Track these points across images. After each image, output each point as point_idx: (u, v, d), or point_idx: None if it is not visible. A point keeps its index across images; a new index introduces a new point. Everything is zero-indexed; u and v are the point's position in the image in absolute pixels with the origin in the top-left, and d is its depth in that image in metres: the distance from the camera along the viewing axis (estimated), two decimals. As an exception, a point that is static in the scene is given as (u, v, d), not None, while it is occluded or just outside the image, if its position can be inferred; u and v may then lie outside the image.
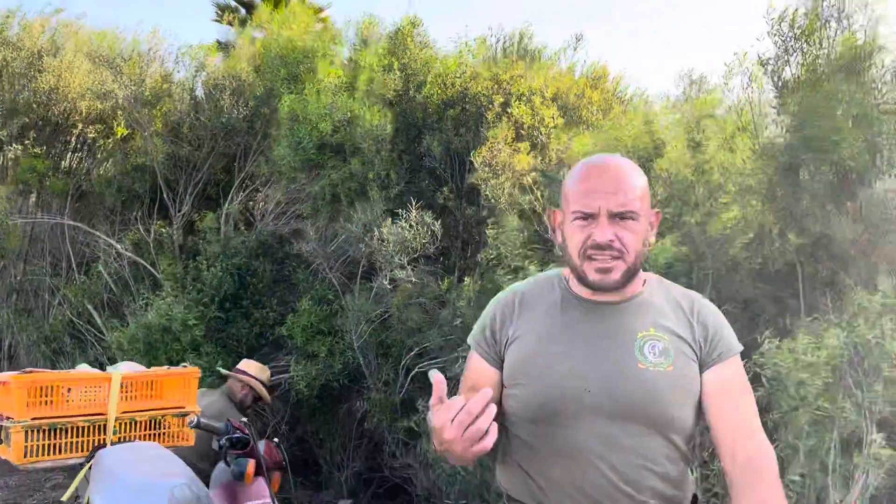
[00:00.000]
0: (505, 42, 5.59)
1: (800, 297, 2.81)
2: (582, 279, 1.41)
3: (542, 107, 4.85)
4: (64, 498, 2.69)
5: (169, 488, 2.19)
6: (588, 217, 1.36)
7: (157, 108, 5.95)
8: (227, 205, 5.87)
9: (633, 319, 1.41)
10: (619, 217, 1.35)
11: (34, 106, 6.23)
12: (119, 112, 6.30)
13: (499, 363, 1.48)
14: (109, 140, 6.49)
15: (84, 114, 6.37)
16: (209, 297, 5.11)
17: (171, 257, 5.65)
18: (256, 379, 3.92)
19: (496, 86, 4.99)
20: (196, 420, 2.74)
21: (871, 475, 2.49)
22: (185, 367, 3.05)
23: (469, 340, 1.55)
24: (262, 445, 2.90)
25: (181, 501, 2.19)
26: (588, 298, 1.44)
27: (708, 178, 3.12)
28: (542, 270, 3.40)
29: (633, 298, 1.44)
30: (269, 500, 2.74)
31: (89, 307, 5.81)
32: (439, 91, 5.07)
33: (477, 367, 1.50)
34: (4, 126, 6.19)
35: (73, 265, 6.50)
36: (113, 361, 4.76)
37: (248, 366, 4.04)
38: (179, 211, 6.13)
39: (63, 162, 6.63)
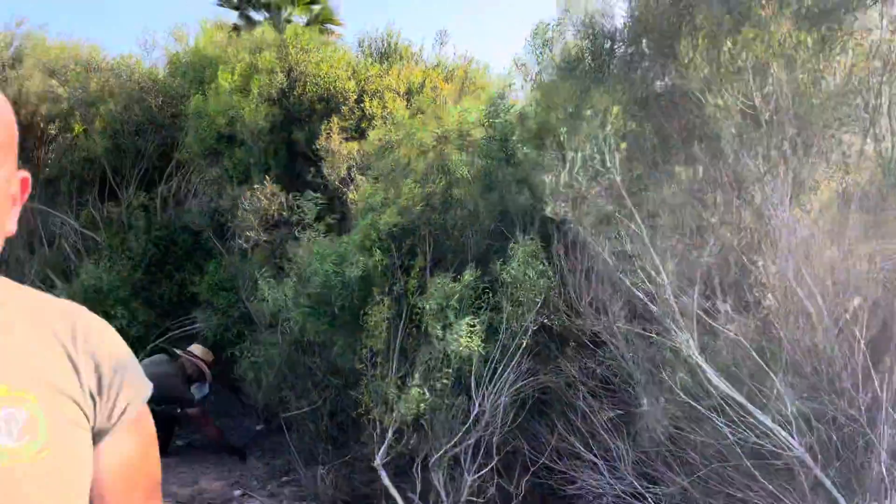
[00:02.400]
0: (372, 44, 6.67)
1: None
2: None
3: (392, 100, 5.96)
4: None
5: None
6: None
7: (98, 108, 7.16)
8: (160, 186, 7.13)
9: None
10: None
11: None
12: (75, 112, 7.54)
13: None
14: (68, 135, 7.74)
15: (43, 115, 7.61)
16: (136, 263, 6.36)
17: (113, 232, 6.91)
18: (202, 360, 5.36)
19: (355, 84, 6.10)
20: None
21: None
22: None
23: None
24: None
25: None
26: None
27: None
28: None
29: None
30: None
31: (51, 274, 7.11)
32: (312, 90, 6.20)
33: None
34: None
35: (44, 241, 7.82)
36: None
37: (197, 349, 5.49)
38: (127, 191, 7.40)
39: (30, 155, 7.90)
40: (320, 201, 4.92)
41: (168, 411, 5.11)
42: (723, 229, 3.08)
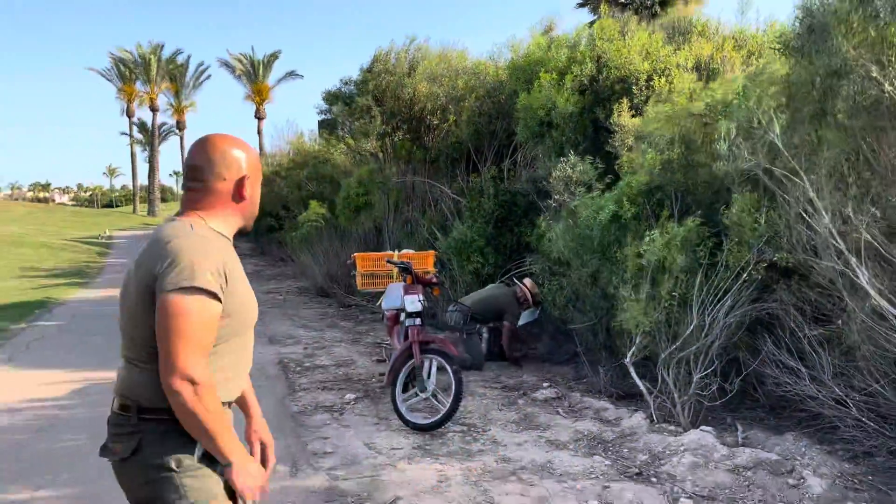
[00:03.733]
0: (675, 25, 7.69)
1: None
2: (244, 228, 1.99)
3: (678, 77, 7.01)
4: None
5: (410, 298, 5.59)
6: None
7: (463, 103, 9.46)
8: (506, 161, 9.20)
9: None
10: None
11: (403, 109, 10.29)
12: (449, 106, 10.02)
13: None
14: (445, 124, 10.27)
15: (429, 109, 10.24)
16: (487, 220, 8.49)
17: (473, 197, 9.18)
18: (531, 291, 7.26)
19: (648, 64, 7.27)
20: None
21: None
22: (431, 251, 6.49)
23: (206, 285, 1.72)
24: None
25: (412, 297, 5.59)
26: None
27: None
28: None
29: None
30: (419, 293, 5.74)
31: (435, 229, 9.71)
32: (614, 73, 7.53)
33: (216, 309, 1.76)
34: (388, 123, 10.40)
35: (431, 204, 10.54)
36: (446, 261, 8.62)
37: (528, 282, 7.38)
38: (484, 166, 9.64)
39: (421, 141, 10.65)
40: (599, 166, 6.32)
41: (502, 323, 7.15)
42: None
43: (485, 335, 7.46)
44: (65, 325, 10.36)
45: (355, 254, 7.15)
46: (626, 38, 7.85)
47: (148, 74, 52.66)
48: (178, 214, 1.95)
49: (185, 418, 1.72)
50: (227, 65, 51.13)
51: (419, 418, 5.21)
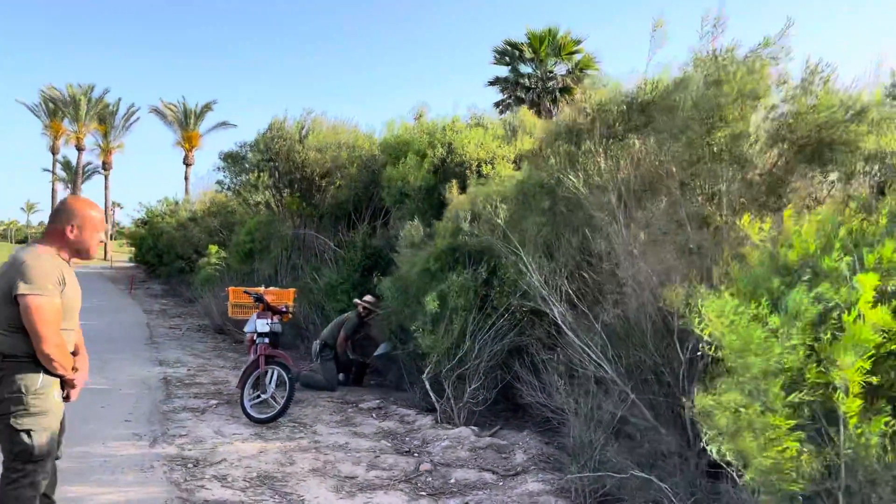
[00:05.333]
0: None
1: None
2: (86, 255, 3.46)
3: (500, 165, 8.94)
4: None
5: (260, 321, 7.20)
6: None
7: (345, 170, 11.25)
8: (379, 220, 10.97)
9: None
10: None
11: (294, 170, 12.01)
12: (334, 172, 11.79)
13: None
14: (332, 187, 12.01)
15: (317, 173, 11.97)
16: (355, 268, 10.17)
17: (348, 249, 10.88)
18: (369, 303, 8.89)
19: (482, 152, 9.20)
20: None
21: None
22: (290, 288, 8.11)
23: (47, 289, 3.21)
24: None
25: (262, 321, 7.19)
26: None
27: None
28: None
29: None
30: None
31: (315, 274, 11.31)
32: (456, 158, 9.44)
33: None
34: (281, 181, 12.07)
35: (318, 254, 12.18)
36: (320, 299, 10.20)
37: (366, 297, 9.01)
38: (361, 224, 11.38)
39: (311, 198, 12.35)
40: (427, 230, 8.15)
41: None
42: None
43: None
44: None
45: (229, 287, 8.73)
46: (467, 131, 9.83)
47: (77, 114, 52.99)
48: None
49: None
50: (157, 111, 52.10)
51: (259, 414, 6.73)
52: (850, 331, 2.67)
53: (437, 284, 7.01)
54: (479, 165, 9.05)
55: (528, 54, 28.77)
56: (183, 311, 18.71)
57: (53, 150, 56.94)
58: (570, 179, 5.73)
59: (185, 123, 51.95)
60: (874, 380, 2.70)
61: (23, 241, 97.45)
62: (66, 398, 3.49)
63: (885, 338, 2.68)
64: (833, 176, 4.56)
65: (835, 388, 2.76)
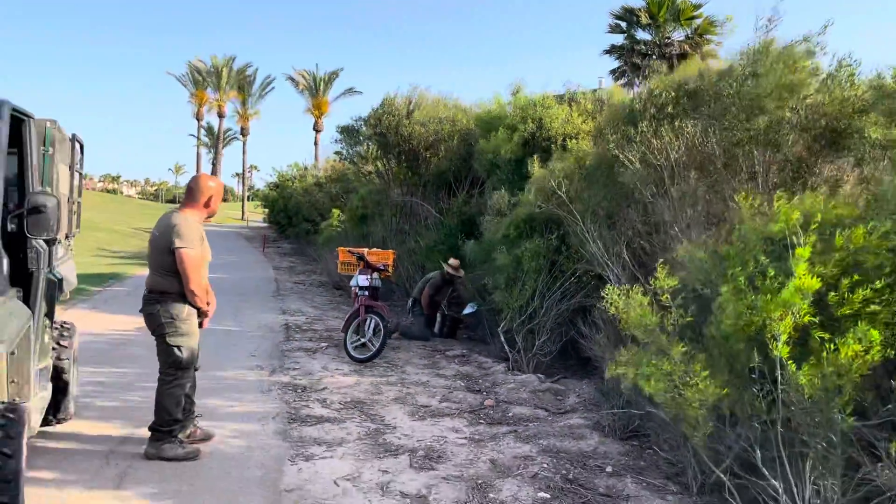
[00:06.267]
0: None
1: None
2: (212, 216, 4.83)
3: (584, 140, 9.64)
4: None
5: (361, 277, 8.40)
6: None
7: (446, 143, 12.24)
8: (476, 189, 11.93)
9: None
10: None
11: (401, 143, 13.11)
12: (437, 144, 12.80)
13: None
14: (434, 158, 13.05)
15: (423, 146, 13.03)
16: (451, 232, 11.19)
17: (448, 215, 11.90)
18: (452, 266, 9.95)
19: (562, 126, 9.92)
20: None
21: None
22: (390, 250, 9.26)
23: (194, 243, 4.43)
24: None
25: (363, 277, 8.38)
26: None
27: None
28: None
29: None
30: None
31: (417, 237, 12.45)
32: (543, 133, 10.18)
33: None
34: (390, 152, 13.24)
35: (422, 220, 13.31)
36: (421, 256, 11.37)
37: (451, 260, 10.07)
38: (459, 193, 12.38)
39: (417, 169, 13.44)
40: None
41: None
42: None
43: (438, 319, 10.18)
44: (130, 291, 13.43)
45: (339, 248, 10.01)
46: (556, 107, 10.51)
47: (219, 83, 57.09)
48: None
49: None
50: (291, 79, 55.14)
51: (359, 354, 7.94)
52: (783, 294, 3.38)
53: (514, 250, 7.90)
54: (564, 140, 9.74)
55: (644, 20, 28.47)
56: (307, 269, 20.59)
57: (198, 117, 61.69)
58: (626, 157, 6.44)
59: (315, 90, 54.75)
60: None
61: (171, 200, 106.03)
62: (201, 325, 4.73)
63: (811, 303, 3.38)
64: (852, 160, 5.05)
65: (773, 338, 3.48)
